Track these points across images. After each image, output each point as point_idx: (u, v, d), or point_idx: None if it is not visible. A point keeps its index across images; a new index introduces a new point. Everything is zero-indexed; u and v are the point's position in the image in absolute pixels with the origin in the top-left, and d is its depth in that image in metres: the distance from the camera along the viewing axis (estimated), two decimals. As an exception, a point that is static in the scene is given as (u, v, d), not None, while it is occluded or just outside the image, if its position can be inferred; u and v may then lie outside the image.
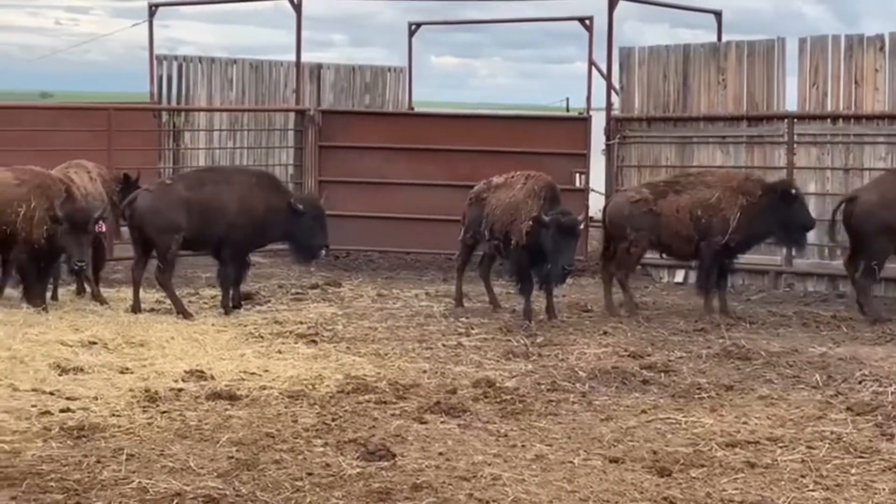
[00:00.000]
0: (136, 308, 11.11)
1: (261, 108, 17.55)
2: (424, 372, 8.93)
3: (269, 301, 12.16)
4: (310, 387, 8.29)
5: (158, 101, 17.12)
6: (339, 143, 15.66)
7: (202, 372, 8.52)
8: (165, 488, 5.92)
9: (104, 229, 11.44)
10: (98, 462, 6.34)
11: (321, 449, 6.76)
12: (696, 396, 8.22)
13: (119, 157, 14.16)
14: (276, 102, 17.70)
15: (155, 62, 17.04)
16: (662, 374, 8.89)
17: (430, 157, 15.21)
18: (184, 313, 10.99)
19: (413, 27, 18.55)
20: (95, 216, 10.88)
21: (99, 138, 14.40)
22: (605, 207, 12.22)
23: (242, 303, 11.67)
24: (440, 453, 6.72)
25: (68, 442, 6.72)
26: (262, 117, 17.60)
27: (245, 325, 10.64)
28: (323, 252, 11.86)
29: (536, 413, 7.72)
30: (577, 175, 14.77)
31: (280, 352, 9.51)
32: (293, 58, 16.79)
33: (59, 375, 8.31)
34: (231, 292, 11.48)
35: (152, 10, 17.14)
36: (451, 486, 6.12)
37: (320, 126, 15.84)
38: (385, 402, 7.92)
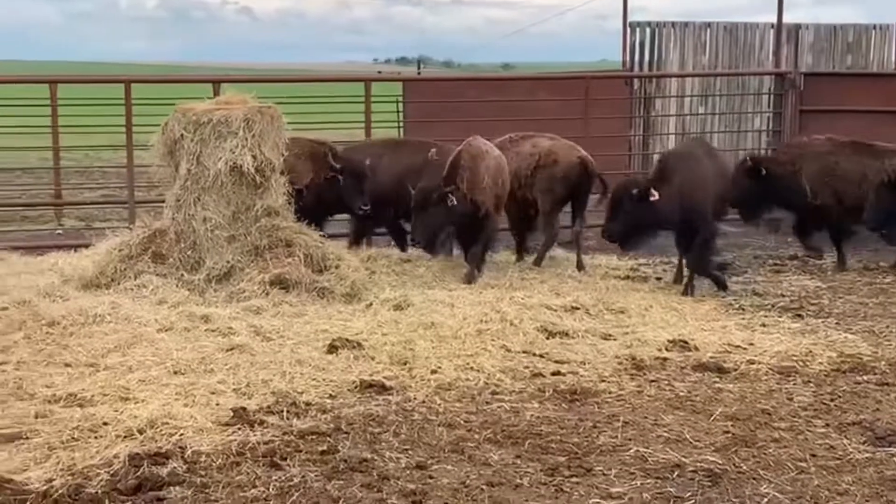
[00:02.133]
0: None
1: (738, 72, 16.94)
2: (928, 353, 8.20)
3: (745, 272, 11.73)
4: (801, 363, 7.87)
5: (630, 69, 17.08)
6: (824, 106, 14.75)
7: (685, 342, 8.32)
8: (664, 458, 5.81)
9: None
10: (594, 427, 6.36)
11: (822, 430, 6.38)
12: None
13: (592, 125, 14.29)
14: (750, 65, 17.05)
15: (628, 29, 17.02)
16: None
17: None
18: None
19: (903, -20, 17.17)
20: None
21: (572, 107, 14.59)
22: None
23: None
24: (958, 444, 6.11)
25: (563, 405, 6.80)
26: (734, 82, 17.04)
27: (724, 296, 10.32)
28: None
29: None
30: None
31: (764, 325, 9.11)
32: (765, 19, 16.10)
33: (547, 339, 8.42)
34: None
35: (623, -20, 17.16)
36: (976, 483, 5.52)
37: (801, 90, 15.03)
38: (887, 384, 7.36)
